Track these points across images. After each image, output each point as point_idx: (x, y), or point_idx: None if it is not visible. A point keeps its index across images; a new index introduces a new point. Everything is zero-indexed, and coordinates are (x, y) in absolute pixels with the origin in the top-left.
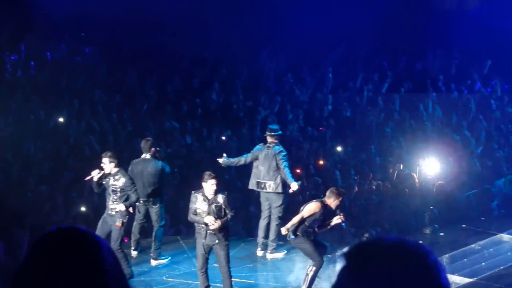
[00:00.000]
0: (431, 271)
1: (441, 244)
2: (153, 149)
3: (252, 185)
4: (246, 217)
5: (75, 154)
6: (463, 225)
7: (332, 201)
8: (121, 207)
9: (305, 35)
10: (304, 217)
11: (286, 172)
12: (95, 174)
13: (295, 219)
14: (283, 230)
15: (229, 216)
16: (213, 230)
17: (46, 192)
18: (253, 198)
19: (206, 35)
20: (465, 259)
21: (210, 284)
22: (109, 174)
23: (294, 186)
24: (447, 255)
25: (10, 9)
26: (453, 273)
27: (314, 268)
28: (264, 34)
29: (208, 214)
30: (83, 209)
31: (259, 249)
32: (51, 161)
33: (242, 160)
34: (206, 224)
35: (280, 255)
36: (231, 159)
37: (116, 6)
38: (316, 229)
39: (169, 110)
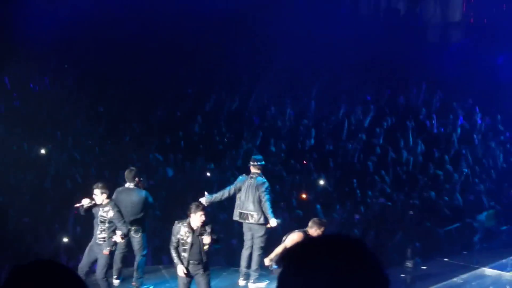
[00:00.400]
0: (369, 260)
1: (423, 278)
2: (136, 178)
3: (235, 216)
4: (228, 247)
5: (58, 186)
6: (445, 259)
7: (314, 231)
8: (118, 239)
9: (288, 68)
10: (287, 247)
11: (267, 207)
12: (86, 203)
13: (278, 249)
14: (267, 261)
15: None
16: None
17: (28, 224)
18: (236, 229)
19: (190, 67)
20: None
21: None
22: (100, 204)
23: (273, 222)
24: None
25: None
26: None
27: None
28: (248, 67)
29: (193, 244)
30: (65, 240)
31: (242, 278)
32: (34, 192)
33: (226, 193)
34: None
35: (262, 285)
36: (214, 195)
37: (100, 37)
38: None
39: (153, 143)
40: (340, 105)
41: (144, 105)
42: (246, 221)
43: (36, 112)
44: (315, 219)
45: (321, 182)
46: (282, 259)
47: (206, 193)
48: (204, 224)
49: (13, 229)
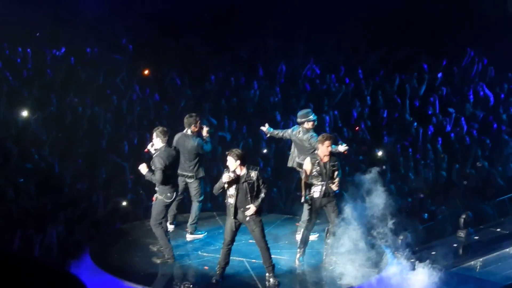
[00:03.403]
0: None
1: (475, 248)
2: (192, 125)
3: (292, 163)
4: (285, 195)
5: (113, 150)
6: (498, 229)
7: (321, 151)
8: (143, 169)
9: (345, 37)
10: (307, 174)
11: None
12: (150, 148)
13: (302, 182)
14: (302, 200)
15: (262, 194)
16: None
17: (83, 188)
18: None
19: (244, 33)
20: (499, 263)
21: (229, 260)
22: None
23: (341, 148)
24: (480, 259)
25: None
26: (487, 278)
27: (303, 230)
28: (303, 35)
29: (238, 191)
30: (122, 203)
31: (298, 233)
32: (89, 156)
33: (281, 134)
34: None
35: (312, 237)
36: (275, 130)
37: (154, 4)
38: (324, 184)
39: (207, 108)
40: (395, 74)
41: (199, 71)
42: (298, 168)
43: (92, 77)
44: (319, 137)
45: (379, 153)
46: None
47: (267, 124)
48: (244, 169)
49: (68, 193)
